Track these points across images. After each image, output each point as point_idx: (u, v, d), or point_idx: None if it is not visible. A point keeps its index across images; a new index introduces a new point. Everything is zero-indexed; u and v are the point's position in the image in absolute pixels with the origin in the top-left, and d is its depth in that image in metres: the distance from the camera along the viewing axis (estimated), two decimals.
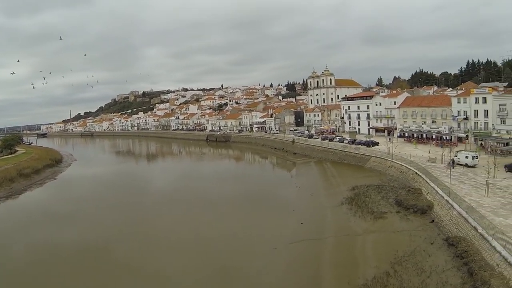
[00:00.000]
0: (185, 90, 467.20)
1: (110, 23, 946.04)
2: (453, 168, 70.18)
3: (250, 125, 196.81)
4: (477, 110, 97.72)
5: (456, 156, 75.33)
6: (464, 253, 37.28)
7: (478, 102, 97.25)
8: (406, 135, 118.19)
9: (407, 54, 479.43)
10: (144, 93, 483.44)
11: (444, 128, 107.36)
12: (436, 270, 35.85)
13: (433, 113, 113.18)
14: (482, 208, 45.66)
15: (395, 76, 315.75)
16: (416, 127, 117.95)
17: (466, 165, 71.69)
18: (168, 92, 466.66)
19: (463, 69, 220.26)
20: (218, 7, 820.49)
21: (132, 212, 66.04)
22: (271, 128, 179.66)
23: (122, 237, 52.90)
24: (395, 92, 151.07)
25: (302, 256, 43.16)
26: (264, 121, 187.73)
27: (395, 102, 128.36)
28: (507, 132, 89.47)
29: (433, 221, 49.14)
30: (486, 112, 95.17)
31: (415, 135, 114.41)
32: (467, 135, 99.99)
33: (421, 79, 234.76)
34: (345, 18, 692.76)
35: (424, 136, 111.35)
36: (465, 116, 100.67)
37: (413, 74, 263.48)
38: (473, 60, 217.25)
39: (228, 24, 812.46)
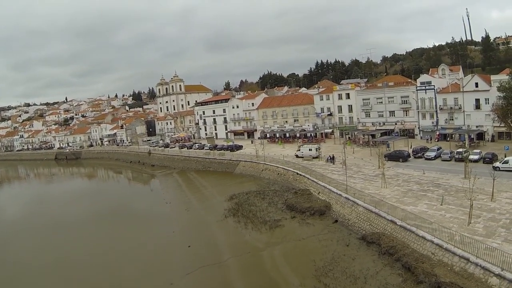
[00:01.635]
0: (28, 105, 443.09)
1: None
2: (333, 163, 73.41)
3: (100, 138, 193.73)
4: (341, 106, 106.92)
5: (299, 150, 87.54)
6: (390, 249, 36.53)
7: (341, 98, 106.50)
8: (268, 136, 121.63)
9: (251, 59, 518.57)
10: None
11: (308, 125, 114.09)
12: (369, 273, 34.01)
13: (294, 112, 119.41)
14: (386, 200, 46.80)
15: (242, 80, 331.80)
16: (278, 127, 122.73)
17: (310, 157, 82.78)
18: (9, 108, 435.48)
19: (312, 69, 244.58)
20: (59, 13, 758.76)
21: None
22: (123, 140, 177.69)
23: None
24: (252, 93, 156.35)
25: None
26: (115, 133, 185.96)
27: (253, 104, 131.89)
28: (372, 124, 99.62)
29: (336, 221, 48.47)
30: (350, 107, 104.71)
31: (277, 135, 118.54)
32: (332, 131, 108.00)
33: (271, 81, 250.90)
34: (189, 25, 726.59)
35: (288, 135, 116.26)
36: (329, 113, 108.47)
37: (261, 76, 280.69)
38: (321, 61, 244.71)
39: (70, 33, 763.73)
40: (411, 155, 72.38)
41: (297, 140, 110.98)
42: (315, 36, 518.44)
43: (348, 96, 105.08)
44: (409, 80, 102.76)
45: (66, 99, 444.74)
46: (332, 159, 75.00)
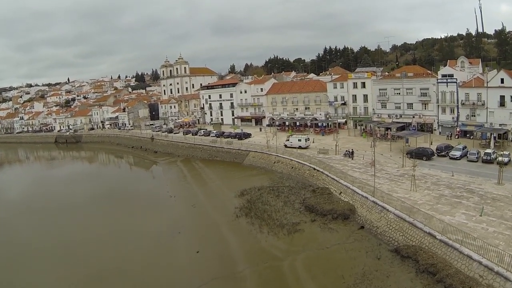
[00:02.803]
0: (30, 86, 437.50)
1: None
2: (352, 158, 69.44)
3: (102, 121, 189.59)
4: (355, 95, 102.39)
5: (288, 140, 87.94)
6: (430, 267, 32.82)
7: (356, 87, 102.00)
8: (277, 123, 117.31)
9: (256, 43, 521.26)
10: None
11: (320, 114, 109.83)
12: None
13: (305, 99, 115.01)
14: (418, 206, 42.98)
15: (246, 63, 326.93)
16: (288, 115, 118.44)
17: (299, 147, 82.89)
18: (11, 89, 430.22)
19: (320, 55, 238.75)
20: None
21: None
22: (125, 124, 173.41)
23: None
24: (259, 78, 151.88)
25: None
26: (117, 116, 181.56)
27: (262, 89, 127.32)
28: (388, 116, 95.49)
29: (362, 227, 44.68)
30: (366, 97, 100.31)
31: (287, 123, 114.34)
32: (346, 121, 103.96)
33: (277, 65, 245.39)
34: (195, 8, 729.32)
35: (298, 124, 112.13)
36: (343, 102, 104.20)
37: (267, 60, 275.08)
38: (330, 47, 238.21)
39: (75, 14, 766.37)
40: (435, 153, 68.44)
41: (308, 129, 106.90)
42: (321, 22, 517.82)
43: (363, 85, 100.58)
44: (429, 72, 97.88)
45: (68, 80, 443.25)
46: (351, 154, 70.80)
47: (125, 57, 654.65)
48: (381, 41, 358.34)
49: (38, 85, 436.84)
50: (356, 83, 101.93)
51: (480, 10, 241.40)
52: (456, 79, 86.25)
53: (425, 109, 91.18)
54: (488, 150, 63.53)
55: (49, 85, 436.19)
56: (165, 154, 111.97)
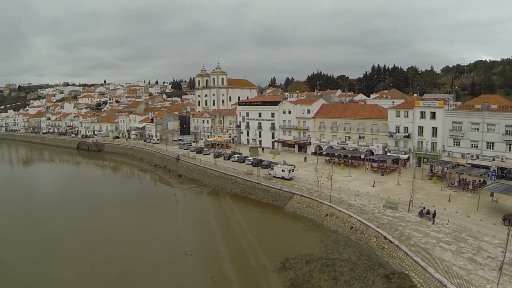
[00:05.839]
0: (67, 84, 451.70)
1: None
2: (433, 223, 51.20)
3: (128, 130, 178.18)
4: (422, 127, 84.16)
5: (273, 169, 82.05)
6: None
7: (424, 117, 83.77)
8: (325, 153, 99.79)
9: (298, 57, 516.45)
10: (20, 86, 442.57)
11: (377, 146, 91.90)
12: None
13: (360, 126, 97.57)
14: None
15: (288, 77, 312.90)
16: (338, 143, 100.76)
17: (283, 178, 77.93)
18: (47, 86, 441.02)
19: (367, 73, 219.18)
20: None
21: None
22: (151, 136, 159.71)
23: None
24: (302, 94, 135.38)
25: None
26: (144, 127, 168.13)
27: (309, 111, 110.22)
28: (462, 156, 77.01)
29: None
30: (435, 130, 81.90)
31: (336, 154, 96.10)
32: (408, 157, 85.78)
33: (320, 81, 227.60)
34: (241, 19, 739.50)
35: (349, 156, 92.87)
36: (406, 134, 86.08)
37: (310, 76, 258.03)
38: (378, 65, 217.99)
39: (122, 17, 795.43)
40: None
41: (364, 164, 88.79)
42: (364, 39, 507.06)
43: (433, 115, 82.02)
44: None
45: (104, 81, 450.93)
46: (431, 216, 52.17)
47: (167, 62, 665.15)
48: (428, 61, 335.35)
49: (75, 85, 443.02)
50: (424, 112, 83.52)
51: None
52: None
53: (510, 151, 72.17)
54: None
55: (84, 85, 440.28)
56: (191, 181, 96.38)
